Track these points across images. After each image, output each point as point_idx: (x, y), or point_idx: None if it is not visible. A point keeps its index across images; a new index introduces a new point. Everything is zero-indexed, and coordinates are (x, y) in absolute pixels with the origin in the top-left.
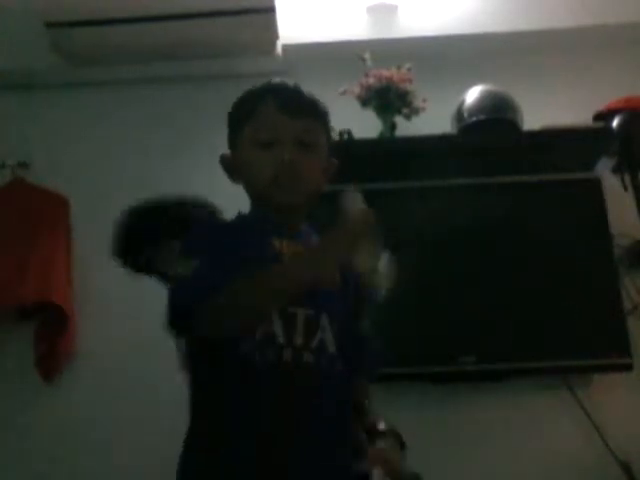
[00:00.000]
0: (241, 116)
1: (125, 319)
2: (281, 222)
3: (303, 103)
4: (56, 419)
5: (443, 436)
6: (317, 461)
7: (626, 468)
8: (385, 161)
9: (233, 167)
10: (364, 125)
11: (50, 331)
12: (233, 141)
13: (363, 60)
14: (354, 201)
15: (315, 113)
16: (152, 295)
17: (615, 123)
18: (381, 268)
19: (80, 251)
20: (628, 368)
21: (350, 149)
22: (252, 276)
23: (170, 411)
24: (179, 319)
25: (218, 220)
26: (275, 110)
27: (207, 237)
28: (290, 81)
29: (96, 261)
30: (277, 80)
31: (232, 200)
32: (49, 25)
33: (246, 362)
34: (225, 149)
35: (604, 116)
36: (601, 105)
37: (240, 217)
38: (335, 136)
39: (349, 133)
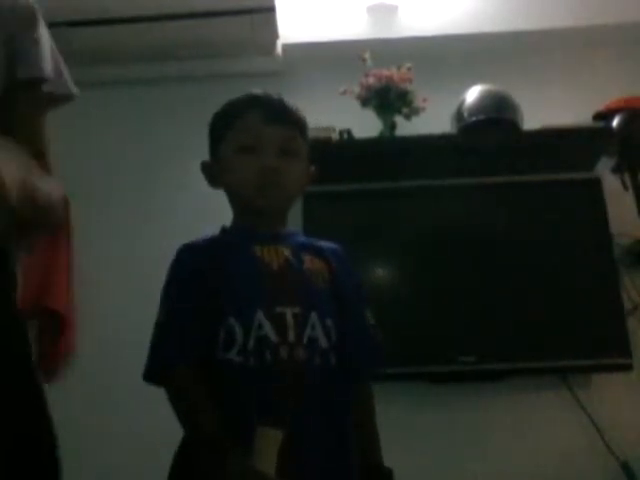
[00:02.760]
0: (224, 124)
1: (125, 319)
2: (262, 228)
3: (287, 112)
4: (56, 419)
5: (443, 436)
6: (313, 459)
7: (626, 468)
8: (385, 161)
9: (214, 173)
10: (364, 125)
11: (50, 332)
12: (215, 148)
13: (363, 60)
14: (268, 443)
15: (297, 122)
16: (152, 295)
17: (615, 123)
18: None
19: (80, 251)
20: (628, 368)
21: (350, 149)
22: (177, 388)
23: (170, 411)
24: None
25: (193, 248)
26: (259, 117)
27: (173, 279)
28: (273, 93)
29: (96, 260)
30: (259, 91)
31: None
32: (49, 25)
33: (238, 366)
34: None
35: (604, 116)
36: (601, 105)
37: (221, 232)
38: (335, 136)
39: (349, 133)
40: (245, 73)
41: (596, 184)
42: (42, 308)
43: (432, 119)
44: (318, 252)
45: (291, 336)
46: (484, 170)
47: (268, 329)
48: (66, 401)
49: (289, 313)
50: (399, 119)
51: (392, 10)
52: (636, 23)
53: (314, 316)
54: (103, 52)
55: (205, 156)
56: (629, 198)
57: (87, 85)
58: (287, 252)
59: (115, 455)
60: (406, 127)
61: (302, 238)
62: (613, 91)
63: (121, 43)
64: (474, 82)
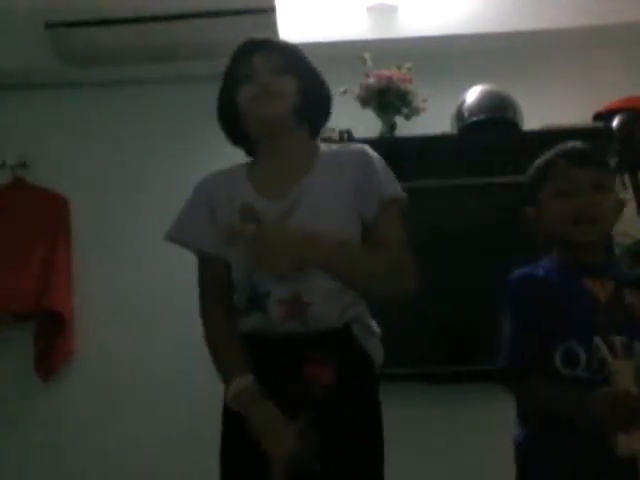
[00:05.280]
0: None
1: (124, 319)
2: (583, 261)
3: (591, 155)
4: (55, 418)
5: (443, 436)
6: None
7: None
8: (385, 161)
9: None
10: (364, 125)
11: (49, 331)
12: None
13: (363, 60)
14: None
15: (602, 162)
16: (152, 295)
17: (615, 123)
18: None
19: (80, 251)
20: None
21: None
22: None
23: (169, 410)
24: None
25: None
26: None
27: (518, 300)
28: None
29: (96, 261)
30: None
31: None
32: (49, 25)
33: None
34: (224, 147)
35: (604, 116)
36: (601, 105)
37: (549, 261)
38: (335, 136)
39: (349, 133)
40: None
41: None
42: (42, 308)
43: (432, 119)
44: (636, 286)
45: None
46: (484, 170)
47: (605, 353)
48: (65, 400)
49: (618, 341)
50: (399, 119)
51: (392, 10)
52: (636, 23)
53: (638, 346)
54: (103, 52)
55: (203, 156)
56: (629, 198)
57: (87, 85)
58: (611, 285)
59: (115, 454)
60: (406, 127)
61: (621, 270)
62: (613, 91)
63: (121, 43)
64: (474, 82)
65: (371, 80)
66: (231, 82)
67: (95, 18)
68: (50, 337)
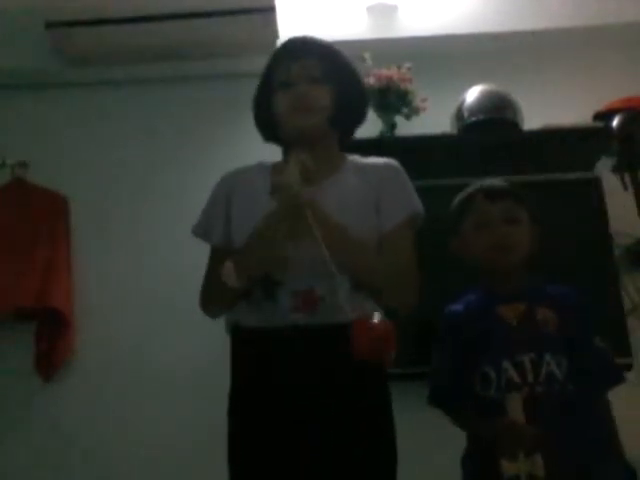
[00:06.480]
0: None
1: (124, 319)
2: (501, 287)
3: (505, 191)
4: (55, 418)
5: (443, 436)
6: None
7: (626, 467)
8: None
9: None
10: (364, 125)
11: (50, 331)
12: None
13: (363, 60)
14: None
15: (515, 198)
16: (152, 295)
17: (615, 123)
18: None
19: (80, 251)
20: (628, 368)
21: (350, 149)
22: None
23: (169, 410)
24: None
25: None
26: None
27: (442, 336)
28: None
29: (96, 260)
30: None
31: None
32: (49, 25)
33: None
34: (224, 146)
35: (604, 116)
36: (601, 105)
37: (473, 293)
38: None
39: None
40: (245, 73)
41: (596, 184)
42: (42, 307)
43: (432, 119)
44: (550, 303)
45: (530, 378)
46: (484, 170)
47: (512, 374)
48: (66, 400)
49: (526, 359)
50: (399, 119)
51: (392, 10)
52: (636, 23)
53: (548, 356)
54: (103, 52)
55: (203, 156)
56: (629, 198)
57: (87, 85)
58: (523, 307)
59: (115, 454)
60: (406, 127)
61: (537, 290)
62: (613, 91)
63: (121, 43)
64: (474, 82)
65: (371, 80)
66: (268, 86)
67: (95, 18)
68: (51, 337)
